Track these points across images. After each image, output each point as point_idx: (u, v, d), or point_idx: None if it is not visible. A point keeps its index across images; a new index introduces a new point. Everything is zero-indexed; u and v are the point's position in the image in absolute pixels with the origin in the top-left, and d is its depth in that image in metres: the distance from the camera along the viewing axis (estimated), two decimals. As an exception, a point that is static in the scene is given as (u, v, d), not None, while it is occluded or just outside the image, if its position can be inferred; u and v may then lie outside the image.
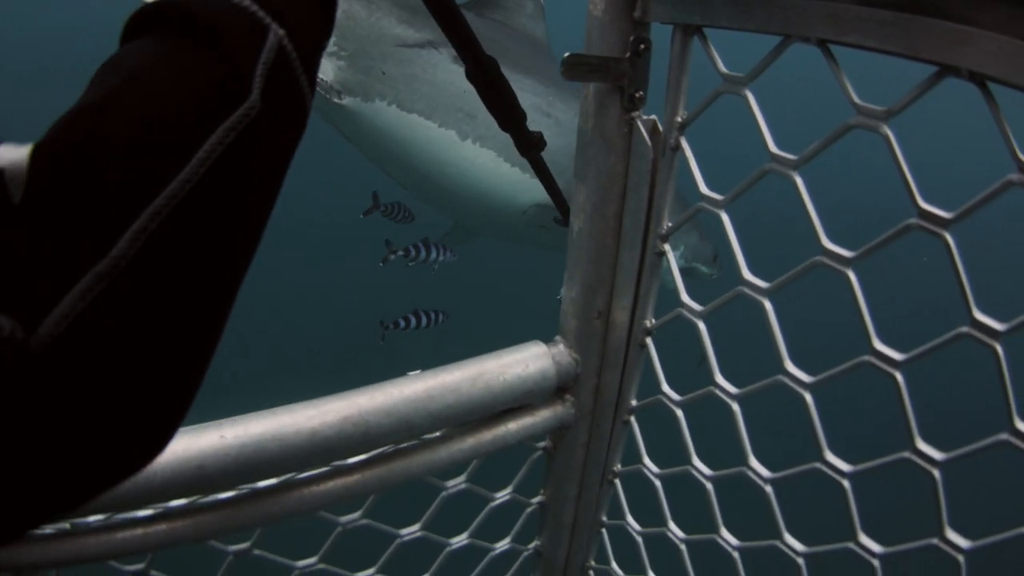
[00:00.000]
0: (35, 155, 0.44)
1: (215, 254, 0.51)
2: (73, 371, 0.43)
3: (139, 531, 0.97)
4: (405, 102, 4.05)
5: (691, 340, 1.02)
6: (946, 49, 0.61)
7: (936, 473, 0.72)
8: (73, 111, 0.47)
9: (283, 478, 1.02)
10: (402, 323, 4.87)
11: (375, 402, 1.01)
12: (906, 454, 0.74)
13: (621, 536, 1.26)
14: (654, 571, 1.23)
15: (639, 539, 1.21)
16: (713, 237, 5.12)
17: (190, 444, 0.91)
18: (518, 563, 1.30)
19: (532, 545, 1.30)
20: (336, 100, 3.95)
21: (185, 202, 0.46)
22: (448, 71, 4.01)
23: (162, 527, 0.98)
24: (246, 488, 1.00)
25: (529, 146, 1.18)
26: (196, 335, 0.51)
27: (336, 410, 0.99)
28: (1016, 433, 0.65)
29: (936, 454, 0.71)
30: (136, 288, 0.45)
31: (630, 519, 1.21)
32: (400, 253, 4.56)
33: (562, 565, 1.30)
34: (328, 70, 3.98)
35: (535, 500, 1.23)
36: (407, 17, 4.02)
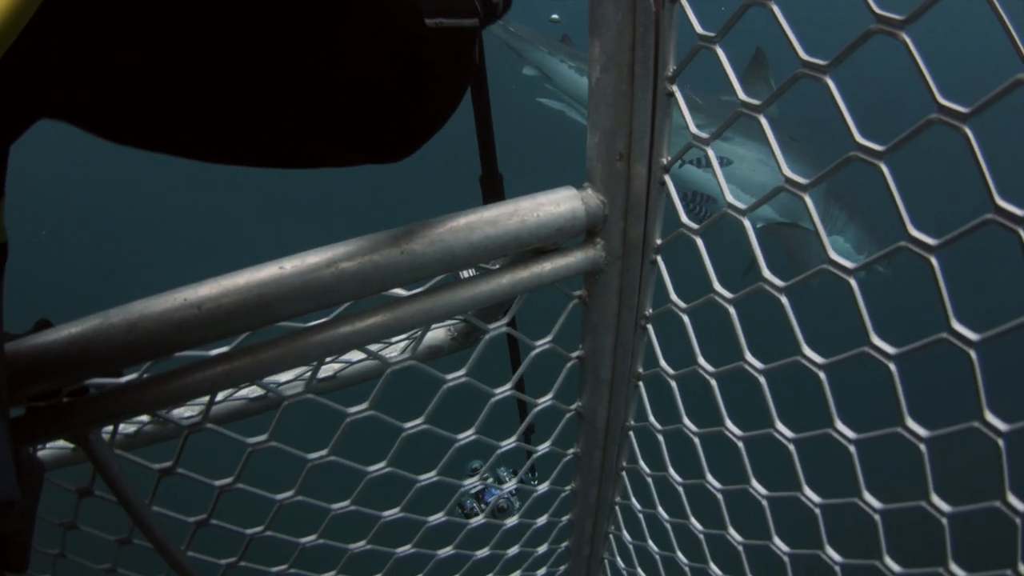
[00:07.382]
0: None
1: (465, 73, 0.91)
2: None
3: (199, 375, 1.03)
4: None
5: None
6: None
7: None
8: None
9: (338, 311, 1.12)
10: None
11: (420, 232, 1.12)
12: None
13: (658, 389, 1.32)
14: (689, 418, 1.27)
15: (673, 384, 1.26)
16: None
17: (251, 277, 0.99)
18: (562, 423, 1.36)
19: (574, 406, 1.35)
20: None
21: (443, 32, 0.84)
22: None
23: (222, 368, 1.04)
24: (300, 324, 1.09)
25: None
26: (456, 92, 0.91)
27: (386, 240, 1.10)
28: None
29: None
30: (435, 54, 0.82)
31: (663, 364, 1.27)
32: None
33: (603, 426, 1.35)
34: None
35: (574, 355, 1.30)
36: None
